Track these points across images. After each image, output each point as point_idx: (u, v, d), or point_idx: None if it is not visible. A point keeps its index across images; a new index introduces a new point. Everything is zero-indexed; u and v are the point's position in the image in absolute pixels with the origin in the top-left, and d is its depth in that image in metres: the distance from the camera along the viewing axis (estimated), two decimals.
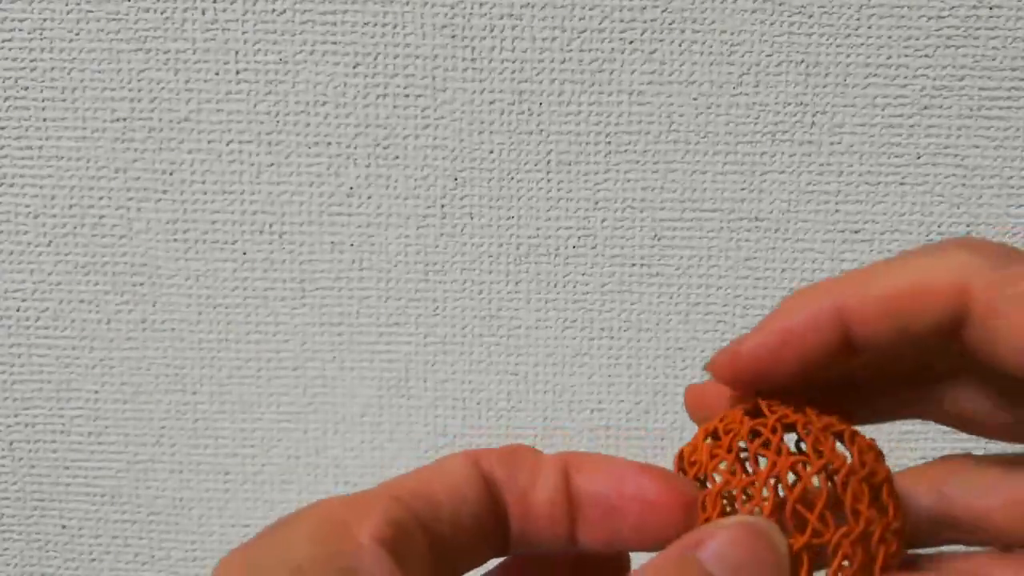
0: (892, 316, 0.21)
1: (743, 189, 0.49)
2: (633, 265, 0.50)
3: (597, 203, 0.49)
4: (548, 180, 0.49)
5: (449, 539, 0.21)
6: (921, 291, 0.21)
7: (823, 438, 0.22)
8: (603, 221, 0.49)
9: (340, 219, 0.49)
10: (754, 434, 0.23)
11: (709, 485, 0.23)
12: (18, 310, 0.51)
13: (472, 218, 0.49)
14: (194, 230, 0.50)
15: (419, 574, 0.20)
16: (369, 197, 0.49)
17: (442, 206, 0.49)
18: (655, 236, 0.49)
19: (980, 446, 0.25)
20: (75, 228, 0.50)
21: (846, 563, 0.21)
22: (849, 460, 0.22)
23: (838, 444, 0.23)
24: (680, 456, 0.24)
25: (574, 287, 0.50)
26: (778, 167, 0.48)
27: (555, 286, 0.50)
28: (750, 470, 0.22)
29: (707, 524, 0.21)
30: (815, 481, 0.22)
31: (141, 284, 0.50)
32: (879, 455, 0.23)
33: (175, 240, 0.50)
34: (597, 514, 0.23)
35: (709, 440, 0.24)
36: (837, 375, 0.24)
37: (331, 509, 0.20)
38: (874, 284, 0.22)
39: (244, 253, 0.50)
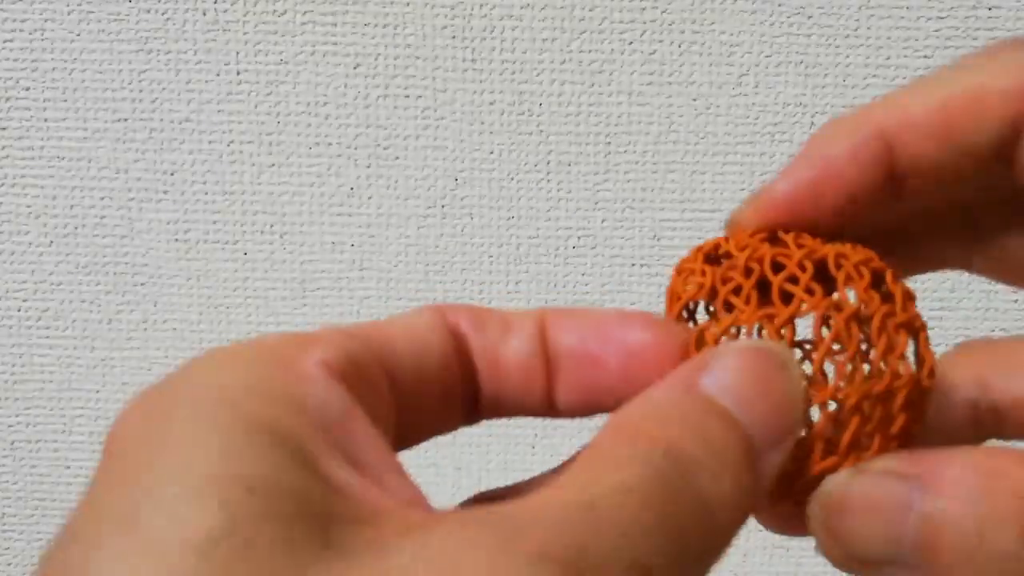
0: (943, 132, 0.19)
1: (742, 190, 0.49)
2: (633, 265, 0.50)
3: (597, 203, 0.49)
4: (548, 180, 0.49)
5: (412, 386, 0.19)
6: (974, 99, 0.19)
7: (857, 274, 0.19)
8: (603, 221, 0.49)
9: (341, 219, 0.50)
10: (775, 267, 0.20)
11: (701, 320, 0.20)
12: (19, 310, 0.51)
13: (472, 218, 0.49)
14: (195, 230, 0.50)
15: (379, 411, 0.17)
16: (370, 197, 0.49)
17: (442, 206, 0.49)
18: (655, 236, 0.49)
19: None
20: (76, 228, 0.50)
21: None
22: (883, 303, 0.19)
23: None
24: (671, 291, 0.21)
25: (574, 287, 0.50)
26: (777, 167, 0.48)
27: (555, 286, 0.50)
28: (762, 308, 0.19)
29: (714, 348, 0.19)
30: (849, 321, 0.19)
31: (142, 284, 0.51)
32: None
33: (176, 240, 0.50)
34: (576, 368, 0.20)
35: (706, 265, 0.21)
36: (879, 222, 0.21)
37: (270, 340, 0.17)
38: (920, 99, 0.19)
39: (245, 253, 0.50)
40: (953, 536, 0.16)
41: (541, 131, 0.48)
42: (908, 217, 0.21)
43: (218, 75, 0.48)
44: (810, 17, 0.47)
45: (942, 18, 0.47)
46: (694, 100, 0.48)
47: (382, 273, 0.50)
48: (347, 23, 0.47)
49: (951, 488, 0.17)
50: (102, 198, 0.50)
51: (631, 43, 0.47)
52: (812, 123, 0.48)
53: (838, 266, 0.19)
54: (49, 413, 0.53)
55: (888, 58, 0.47)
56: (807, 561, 0.53)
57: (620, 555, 0.14)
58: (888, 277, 0.20)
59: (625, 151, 0.48)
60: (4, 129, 0.49)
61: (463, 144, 0.49)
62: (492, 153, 0.49)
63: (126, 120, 0.49)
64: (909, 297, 0.20)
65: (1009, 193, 0.19)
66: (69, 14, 0.48)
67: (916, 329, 0.20)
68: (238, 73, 0.48)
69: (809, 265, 0.19)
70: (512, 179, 0.49)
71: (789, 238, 0.20)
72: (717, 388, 0.17)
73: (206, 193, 0.49)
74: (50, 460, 0.53)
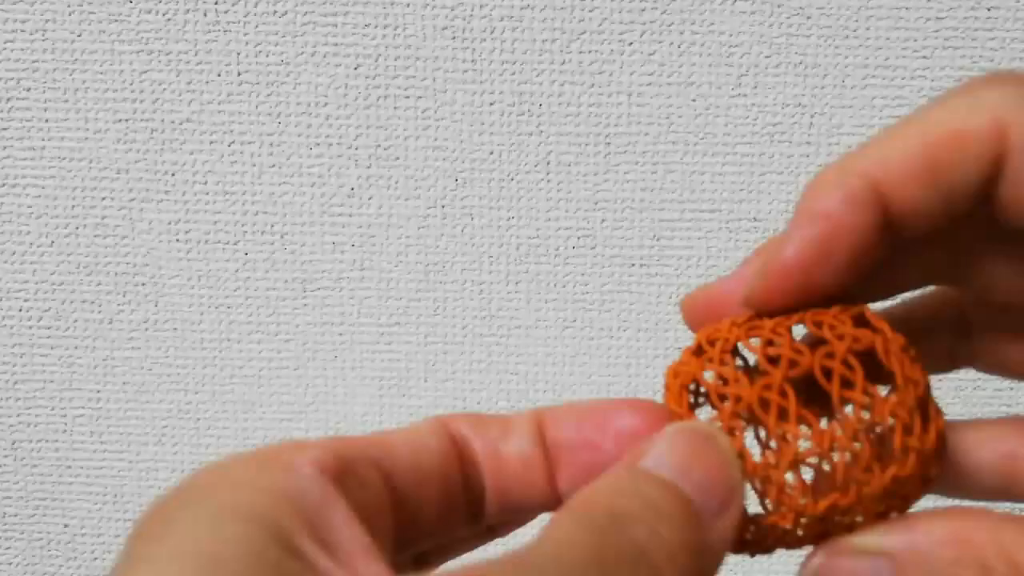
0: (928, 176, 0.19)
1: (742, 190, 0.49)
2: (633, 265, 0.50)
3: (597, 203, 0.49)
4: (548, 181, 0.49)
5: (412, 485, 0.20)
6: (954, 141, 0.19)
7: (842, 325, 0.20)
8: (603, 221, 0.49)
9: (341, 220, 0.50)
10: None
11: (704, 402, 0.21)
12: (20, 310, 0.51)
13: (472, 219, 0.49)
14: (196, 230, 0.50)
15: (371, 507, 0.19)
16: (370, 198, 0.49)
17: (442, 207, 0.49)
18: (655, 236, 0.49)
19: None
20: (77, 228, 0.50)
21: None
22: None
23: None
24: (672, 373, 0.22)
25: (574, 287, 0.50)
26: (776, 168, 0.48)
27: (555, 286, 0.50)
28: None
29: (647, 439, 0.20)
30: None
31: (143, 284, 0.51)
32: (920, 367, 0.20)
33: (177, 240, 0.50)
34: (576, 458, 0.21)
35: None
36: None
37: (272, 445, 0.19)
38: (901, 144, 0.19)
39: (246, 253, 0.50)
40: None
41: (541, 131, 0.48)
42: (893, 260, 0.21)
43: (219, 76, 0.48)
44: (810, 17, 0.47)
45: (942, 18, 0.47)
46: (694, 100, 0.48)
47: (382, 273, 0.50)
48: (348, 24, 0.47)
49: (922, 564, 0.18)
50: (103, 198, 0.50)
51: (631, 43, 0.47)
52: (811, 123, 0.48)
53: (817, 321, 0.20)
54: (50, 413, 0.53)
55: (888, 58, 0.47)
56: None
57: None
58: (866, 313, 0.20)
59: (625, 151, 0.48)
60: (5, 129, 0.49)
61: (463, 144, 0.49)
62: (492, 153, 0.49)
63: (127, 120, 0.49)
64: (915, 361, 0.20)
65: (989, 228, 0.20)
66: (70, 15, 0.48)
67: (920, 393, 0.20)
68: (239, 74, 0.48)
69: (784, 330, 0.20)
70: (512, 179, 0.49)
71: (746, 318, 0.21)
72: (654, 464, 0.19)
73: (207, 193, 0.50)
74: (51, 460, 0.53)
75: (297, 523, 0.17)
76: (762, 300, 0.21)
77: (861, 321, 0.20)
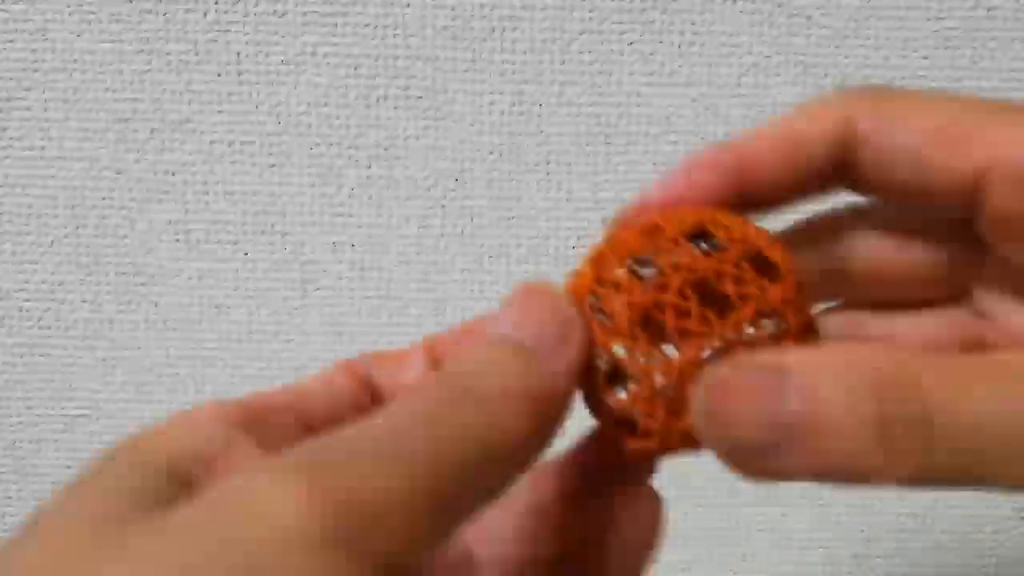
0: (789, 153, 0.24)
1: None
2: None
3: (597, 203, 0.49)
4: (548, 180, 0.49)
5: (327, 424, 0.22)
6: (813, 125, 0.24)
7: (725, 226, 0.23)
8: (603, 221, 0.49)
9: (341, 220, 0.50)
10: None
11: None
12: (20, 310, 0.51)
13: (472, 219, 0.49)
14: (196, 231, 0.50)
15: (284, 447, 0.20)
16: (370, 198, 0.49)
17: (443, 207, 0.49)
18: None
19: None
20: (77, 228, 0.50)
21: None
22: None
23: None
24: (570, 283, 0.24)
25: None
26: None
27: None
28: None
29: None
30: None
31: (143, 284, 0.51)
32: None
33: (177, 241, 0.50)
34: None
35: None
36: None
37: (182, 410, 0.21)
38: (771, 130, 0.24)
39: (246, 254, 0.50)
40: (822, 423, 0.19)
41: (541, 132, 0.48)
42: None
43: (219, 76, 0.48)
44: (810, 17, 0.47)
45: (942, 18, 0.47)
46: (693, 100, 0.48)
47: (382, 273, 0.50)
48: (348, 24, 0.47)
49: (818, 377, 0.19)
50: (103, 198, 0.50)
51: (631, 43, 0.47)
52: None
53: (716, 225, 0.23)
54: (50, 413, 0.53)
55: (888, 58, 0.47)
56: (806, 561, 0.53)
57: (387, 448, 0.18)
58: (772, 254, 0.23)
59: (625, 151, 0.48)
60: (5, 129, 0.49)
61: (463, 144, 0.49)
62: (492, 154, 0.49)
63: (127, 120, 0.49)
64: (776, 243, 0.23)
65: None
66: (70, 15, 0.48)
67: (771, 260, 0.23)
68: (239, 74, 0.48)
69: (688, 221, 0.23)
70: (512, 179, 0.49)
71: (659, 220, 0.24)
72: (495, 327, 0.22)
73: (207, 193, 0.50)
74: (51, 460, 0.53)
75: (190, 461, 0.19)
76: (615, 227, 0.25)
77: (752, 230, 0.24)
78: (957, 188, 0.23)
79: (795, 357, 0.20)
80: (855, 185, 0.25)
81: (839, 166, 0.24)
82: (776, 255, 0.23)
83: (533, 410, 0.20)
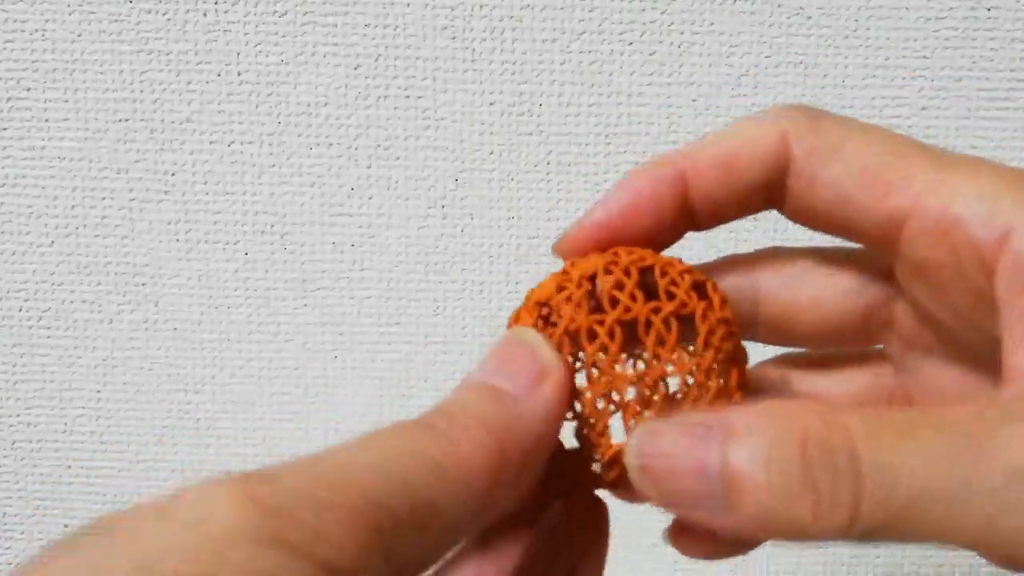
0: (726, 168, 0.24)
1: None
2: None
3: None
4: (548, 180, 0.49)
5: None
6: (750, 142, 0.24)
7: (680, 279, 0.24)
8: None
9: (341, 219, 0.50)
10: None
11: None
12: (20, 310, 0.51)
13: (472, 218, 0.49)
14: (196, 230, 0.50)
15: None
16: (370, 198, 0.49)
17: (443, 207, 0.49)
18: None
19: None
20: (77, 228, 0.50)
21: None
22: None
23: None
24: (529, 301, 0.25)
25: None
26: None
27: None
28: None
29: None
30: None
31: (143, 284, 0.51)
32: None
33: (177, 240, 0.50)
34: None
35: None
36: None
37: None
38: (710, 144, 0.24)
39: (246, 253, 0.50)
40: (747, 479, 0.19)
41: (541, 131, 0.48)
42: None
43: (219, 76, 0.48)
44: (810, 17, 0.47)
45: (942, 18, 0.47)
46: (693, 100, 0.48)
47: (382, 273, 0.50)
48: (348, 24, 0.47)
49: (744, 435, 0.19)
50: (103, 198, 0.50)
51: (631, 43, 0.47)
52: None
53: (663, 274, 0.24)
54: (50, 413, 0.53)
55: (888, 58, 0.47)
56: (806, 561, 0.53)
57: (339, 489, 0.18)
58: (709, 285, 0.24)
59: (625, 151, 0.48)
60: (5, 129, 0.49)
61: (463, 144, 0.49)
62: (492, 153, 0.49)
63: (127, 120, 0.49)
64: (724, 300, 0.24)
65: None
66: (70, 15, 0.48)
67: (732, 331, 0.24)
68: (239, 74, 0.48)
69: (635, 272, 0.23)
70: (512, 179, 0.49)
71: (622, 251, 0.24)
72: (475, 374, 0.22)
73: (207, 193, 0.50)
74: (51, 460, 0.53)
75: None
76: (569, 248, 0.25)
77: (700, 286, 0.24)
78: (876, 230, 0.23)
79: (723, 415, 0.20)
80: (781, 206, 0.25)
81: (771, 186, 0.24)
82: (703, 329, 0.23)
83: (494, 441, 0.20)
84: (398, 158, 0.49)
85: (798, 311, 0.26)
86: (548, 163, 0.49)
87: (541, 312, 0.24)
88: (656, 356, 0.23)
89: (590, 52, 0.47)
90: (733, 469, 0.19)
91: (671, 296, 0.23)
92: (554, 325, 0.23)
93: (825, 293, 0.26)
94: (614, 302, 0.23)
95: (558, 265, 0.27)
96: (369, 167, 0.49)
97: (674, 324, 0.23)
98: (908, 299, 0.25)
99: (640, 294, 0.23)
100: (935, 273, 0.22)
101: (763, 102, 0.48)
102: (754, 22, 0.47)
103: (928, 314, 0.24)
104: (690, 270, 0.24)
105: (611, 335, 0.23)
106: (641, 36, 0.47)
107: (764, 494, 0.19)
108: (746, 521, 0.19)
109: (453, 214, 0.49)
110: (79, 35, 0.48)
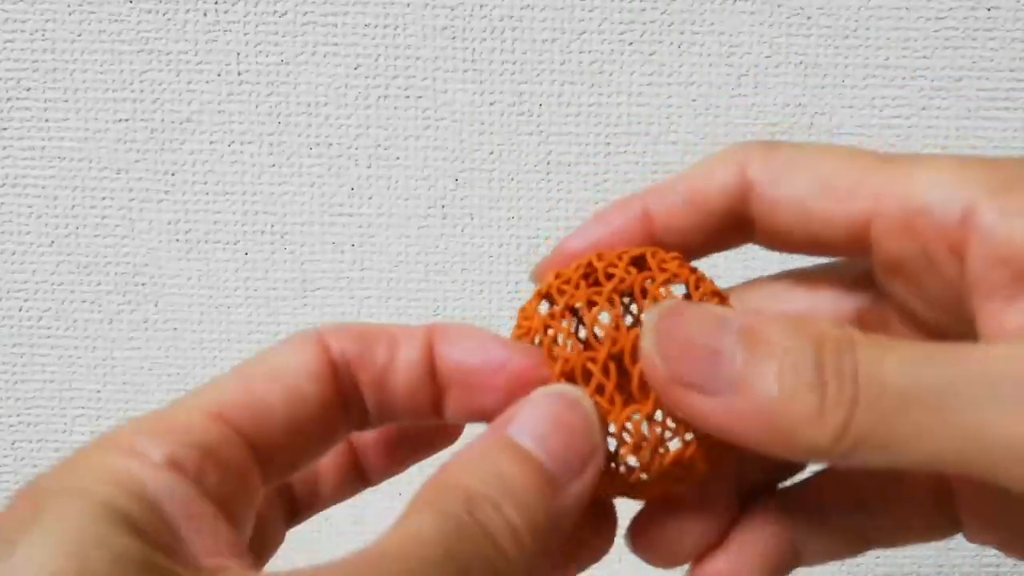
0: (689, 202, 0.25)
1: None
2: None
3: (597, 203, 0.49)
4: (548, 181, 0.49)
5: (283, 442, 0.21)
6: (710, 175, 0.25)
7: (666, 265, 0.24)
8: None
9: (341, 219, 0.50)
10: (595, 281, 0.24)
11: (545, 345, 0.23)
12: (20, 310, 0.51)
13: (472, 219, 0.49)
14: (196, 230, 0.50)
15: (238, 492, 0.20)
16: (370, 198, 0.49)
17: (443, 207, 0.49)
18: None
19: None
20: (77, 228, 0.50)
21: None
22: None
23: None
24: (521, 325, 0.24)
25: None
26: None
27: None
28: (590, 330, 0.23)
29: (519, 401, 0.22)
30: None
31: (143, 284, 0.51)
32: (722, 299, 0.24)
33: (177, 240, 0.50)
34: (462, 388, 0.23)
35: (544, 304, 0.24)
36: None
37: (126, 433, 0.20)
38: (672, 181, 0.25)
39: (246, 253, 0.50)
40: (759, 367, 0.19)
41: (541, 131, 0.48)
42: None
43: (219, 76, 0.48)
44: (810, 17, 0.47)
45: (942, 18, 0.47)
46: (693, 100, 0.48)
47: (382, 273, 0.50)
48: (347, 24, 0.47)
49: (762, 328, 0.20)
50: (103, 198, 0.50)
51: (631, 43, 0.47)
52: (811, 123, 0.48)
53: (653, 255, 0.24)
54: (50, 413, 0.53)
55: (888, 58, 0.47)
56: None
57: None
58: (696, 274, 0.24)
59: (625, 151, 0.48)
60: (5, 129, 0.49)
61: (463, 144, 0.49)
62: (492, 153, 0.49)
63: (127, 120, 0.49)
64: (715, 292, 0.24)
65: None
66: (70, 14, 0.48)
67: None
68: (239, 74, 0.48)
69: (626, 256, 0.24)
70: (512, 179, 0.49)
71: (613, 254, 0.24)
72: (518, 431, 0.20)
73: (207, 193, 0.50)
74: (51, 460, 0.53)
75: (160, 525, 0.18)
76: (544, 275, 0.25)
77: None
78: (843, 237, 0.23)
79: (744, 312, 0.21)
80: (754, 236, 0.25)
81: (737, 218, 0.25)
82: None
83: (539, 544, 0.19)
84: (398, 158, 0.49)
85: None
86: (548, 163, 0.49)
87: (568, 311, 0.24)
88: None
89: (590, 52, 0.47)
90: (747, 356, 0.20)
91: (661, 269, 0.24)
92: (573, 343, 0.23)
93: (810, 308, 0.26)
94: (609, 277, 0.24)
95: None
96: (369, 167, 0.49)
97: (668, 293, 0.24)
98: (890, 300, 0.25)
99: (634, 270, 0.24)
100: (907, 267, 0.23)
101: (763, 102, 0.48)
102: (754, 22, 0.47)
103: (911, 311, 0.24)
104: (679, 256, 0.25)
105: (609, 299, 0.23)
106: (641, 36, 0.47)
107: (772, 384, 0.19)
108: (743, 414, 0.19)
109: (453, 214, 0.49)
110: (79, 35, 0.48)
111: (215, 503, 0.19)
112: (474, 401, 0.23)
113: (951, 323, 0.23)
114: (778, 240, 0.25)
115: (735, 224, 0.25)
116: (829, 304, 0.26)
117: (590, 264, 0.24)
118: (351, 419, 0.23)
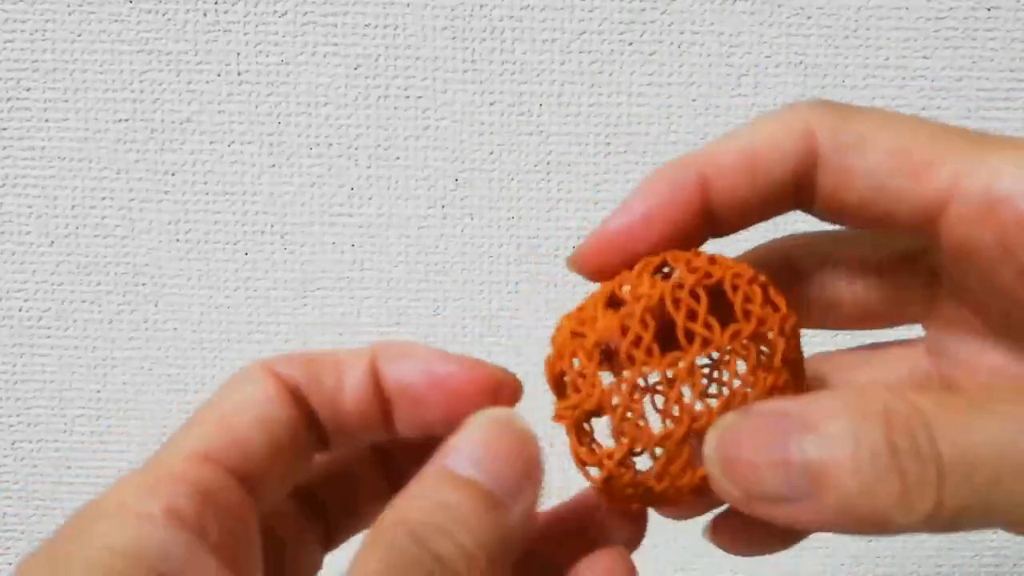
0: (750, 168, 0.23)
1: None
2: None
3: (597, 203, 0.49)
4: (548, 181, 0.49)
5: (266, 470, 0.21)
6: (774, 138, 0.23)
7: (751, 293, 0.23)
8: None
9: (341, 220, 0.50)
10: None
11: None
12: (20, 310, 0.51)
13: (472, 219, 0.49)
14: (196, 230, 0.50)
15: (230, 528, 0.20)
16: (370, 198, 0.49)
17: (442, 207, 0.49)
18: None
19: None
20: (77, 228, 0.50)
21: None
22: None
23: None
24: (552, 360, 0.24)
25: (574, 287, 0.50)
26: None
27: (555, 286, 0.50)
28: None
29: (457, 431, 0.22)
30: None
31: (143, 284, 0.51)
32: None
33: (177, 240, 0.50)
34: (407, 404, 0.23)
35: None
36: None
37: (128, 494, 0.20)
38: (732, 144, 0.23)
39: (246, 253, 0.50)
40: (833, 467, 0.18)
41: (541, 131, 0.48)
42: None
43: (219, 76, 0.48)
44: (810, 17, 0.47)
45: (942, 18, 0.47)
46: (693, 100, 0.48)
47: (382, 273, 0.50)
48: (347, 24, 0.47)
49: (825, 421, 0.19)
50: (103, 198, 0.50)
51: (630, 44, 0.47)
52: None
53: (734, 287, 0.22)
54: (50, 413, 0.53)
55: (888, 58, 0.47)
56: (806, 561, 0.53)
57: None
58: (771, 290, 0.23)
59: (625, 151, 0.48)
60: (5, 129, 0.49)
61: (463, 144, 0.49)
62: (492, 153, 0.49)
63: (127, 120, 0.49)
64: (788, 304, 0.23)
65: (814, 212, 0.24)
66: (70, 15, 0.48)
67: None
68: (239, 74, 0.48)
69: (704, 295, 0.22)
70: (512, 179, 0.49)
71: (676, 261, 0.23)
72: (454, 460, 0.21)
73: (207, 193, 0.50)
74: (51, 460, 0.53)
75: None
76: (587, 261, 0.25)
77: (764, 289, 0.23)
78: (914, 215, 0.22)
79: (795, 401, 0.19)
80: (811, 205, 0.24)
81: (798, 184, 0.23)
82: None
83: (493, 564, 0.20)
84: (398, 158, 0.49)
85: (837, 292, 0.25)
86: (548, 163, 0.49)
87: (600, 350, 0.23)
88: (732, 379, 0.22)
89: (590, 52, 0.47)
90: (817, 458, 0.19)
91: (746, 314, 0.22)
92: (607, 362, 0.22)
93: (861, 272, 0.25)
94: (689, 335, 0.22)
95: (559, 266, 0.26)
96: (369, 167, 0.49)
97: (752, 348, 0.22)
98: (946, 280, 0.24)
99: (716, 323, 0.22)
100: (980, 254, 0.22)
101: (763, 102, 0.48)
102: (754, 22, 0.47)
103: (971, 295, 0.23)
104: (755, 276, 0.23)
105: (691, 371, 0.21)
106: (641, 36, 0.47)
107: (850, 483, 0.18)
108: (829, 513, 0.19)
109: (453, 214, 0.49)
110: (79, 35, 0.48)
111: (216, 551, 0.19)
112: (421, 416, 0.23)
113: (1015, 310, 0.22)
114: (838, 213, 0.23)
115: (794, 191, 0.23)
116: (877, 273, 0.25)
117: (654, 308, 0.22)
118: (315, 442, 0.23)
